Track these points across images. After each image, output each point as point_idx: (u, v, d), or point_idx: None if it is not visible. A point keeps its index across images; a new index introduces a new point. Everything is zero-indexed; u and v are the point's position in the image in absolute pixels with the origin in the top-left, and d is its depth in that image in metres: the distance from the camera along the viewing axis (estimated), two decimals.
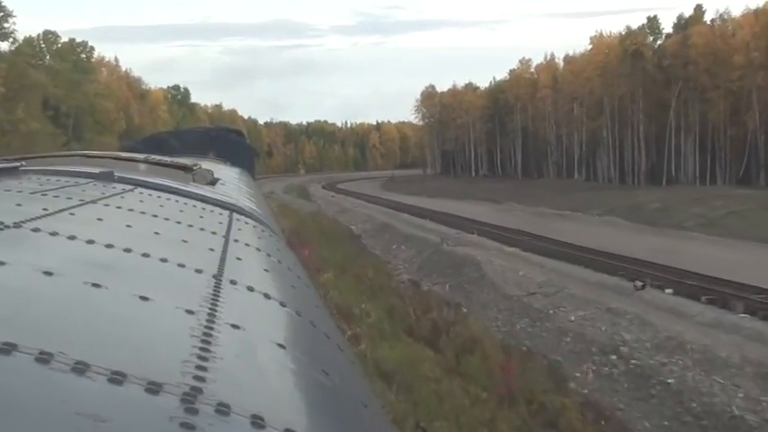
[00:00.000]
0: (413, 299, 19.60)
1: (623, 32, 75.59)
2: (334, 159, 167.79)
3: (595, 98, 77.67)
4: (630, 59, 70.92)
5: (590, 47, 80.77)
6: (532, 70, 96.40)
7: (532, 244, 30.58)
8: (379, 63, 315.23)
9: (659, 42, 74.56)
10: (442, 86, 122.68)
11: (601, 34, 79.68)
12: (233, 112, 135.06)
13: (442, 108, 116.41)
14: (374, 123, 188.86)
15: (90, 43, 77.70)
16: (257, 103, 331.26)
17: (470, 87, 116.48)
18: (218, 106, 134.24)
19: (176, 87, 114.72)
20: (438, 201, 60.40)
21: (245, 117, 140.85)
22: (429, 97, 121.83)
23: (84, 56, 72.75)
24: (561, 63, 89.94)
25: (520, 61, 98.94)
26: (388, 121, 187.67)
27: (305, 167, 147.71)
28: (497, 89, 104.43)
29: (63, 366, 0.88)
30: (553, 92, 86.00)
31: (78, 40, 76.14)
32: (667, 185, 64.59)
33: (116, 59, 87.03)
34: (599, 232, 36.05)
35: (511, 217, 44.67)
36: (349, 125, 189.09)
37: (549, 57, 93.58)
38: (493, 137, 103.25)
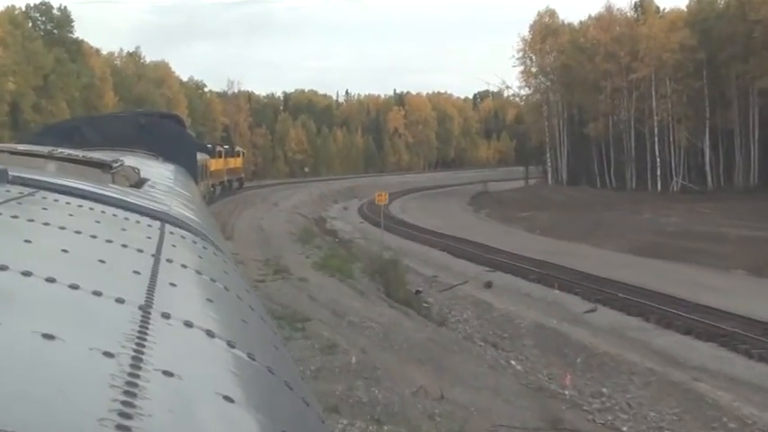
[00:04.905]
0: None
1: None
2: (335, 153, 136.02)
3: None
4: None
5: None
6: None
7: None
8: (359, 25, 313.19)
9: None
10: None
11: None
12: (162, 67, 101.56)
13: (575, 53, 75.82)
14: (392, 94, 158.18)
15: None
16: (200, 77, 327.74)
17: (651, 9, 74.88)
18: (135, 55, 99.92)
19: (44, 7, 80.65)
20: None
21: (184, 79, 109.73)
22: (549, 33, 79.89)
23: None
24: None
25: None
26: (410, 92, 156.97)
27: (305, 168, 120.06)
28: (712, 10, 67.82)
29: None
30: None
31: None
32: None
33: None
34: None
35: None
36: (352, 95, 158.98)
37: None
38: (699, 111, 67.94)
